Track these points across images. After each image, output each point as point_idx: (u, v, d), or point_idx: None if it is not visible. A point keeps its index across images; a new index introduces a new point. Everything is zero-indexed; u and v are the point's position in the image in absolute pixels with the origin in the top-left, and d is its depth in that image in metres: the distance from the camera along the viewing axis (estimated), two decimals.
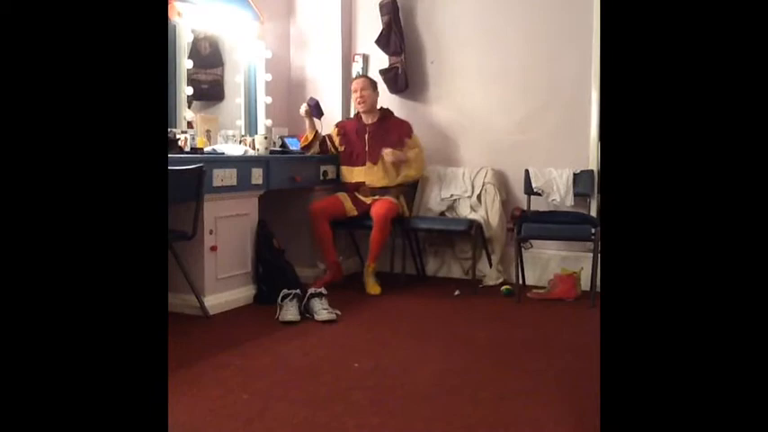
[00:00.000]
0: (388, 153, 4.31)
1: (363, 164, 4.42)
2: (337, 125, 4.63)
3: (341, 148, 4.52)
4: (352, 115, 4.87)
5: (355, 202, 4.37)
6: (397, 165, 4.38)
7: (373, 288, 4.13)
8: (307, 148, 4.43)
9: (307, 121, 4.41)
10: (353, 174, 4.46)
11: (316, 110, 4.37)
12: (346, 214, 4.34)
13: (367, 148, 4.41)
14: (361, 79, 4.53)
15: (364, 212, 4.28)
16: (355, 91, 4.46)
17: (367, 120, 4.47)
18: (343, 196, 4.40)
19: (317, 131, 4.43)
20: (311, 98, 4.45)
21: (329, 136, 4.54)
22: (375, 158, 4.39)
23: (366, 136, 4.43)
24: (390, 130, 4.41)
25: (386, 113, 4.53)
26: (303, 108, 4.38)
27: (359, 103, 4.46)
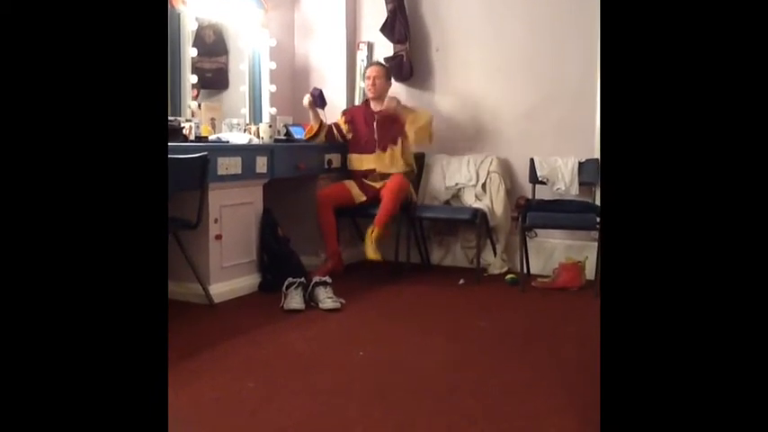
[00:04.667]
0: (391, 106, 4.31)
1: (373, 151, 4.40)
2: (344, 112, 4.60)
3: (349, 136, 4.50)
4: (356, 102, 4.86)
5: (363, 188, 4.37)
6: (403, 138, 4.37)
7: (374, 253, 4.06)
8: (312, 138, 4.41)
9: (311, 113, 4.37)
10: (363, 161, 4.44)
11: (320, 99, 4.31)
12: (354, 201, 4.33)
13: (376, 136, 4.40)
14: (377, 68, 4.48)
15: (373, 197, 4.27)
16: (368, 78, 4.43)
17: (375, 107, 4.46)
18: (350, 183, 4.40)
19: (321, 122, 4.40)
20: (315, 88, 4.40)
21: (336, 124, 4.52)
22: (384, 146, 4.38)
23: (374, 123, 4.41)
24: (398, 117, 4.39)
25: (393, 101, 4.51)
26: (306, 99, 4.33)
27: (369, 90, 4.44)
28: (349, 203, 4.33)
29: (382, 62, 4.63)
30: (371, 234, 4.12)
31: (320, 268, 4.13)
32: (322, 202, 4.23)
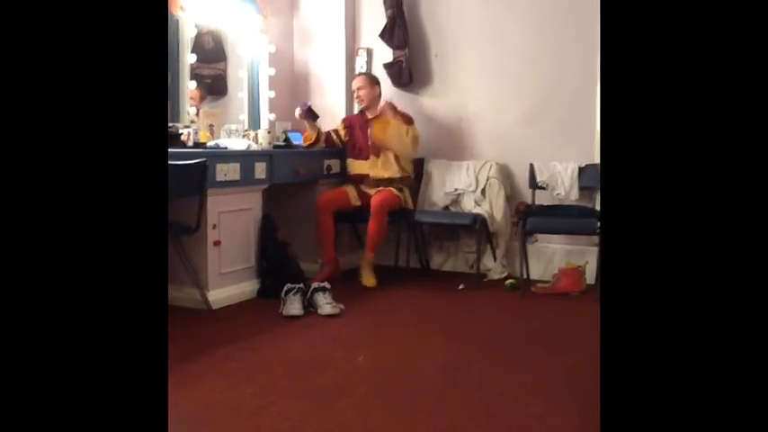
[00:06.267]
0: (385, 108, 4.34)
1: (367, 157, 4.44)
2: (343, 120, 4.65)
3: (346, 139, 4.54)
4: (356, 108, 4.87)
5: (360, 193, 4.40)
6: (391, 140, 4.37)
7: (368, 280, 4.13)
8: (311, 146, 4.44)
9: (306, 123, 4.42)
10: (357, 166, 4.48)
11: (309, 114, 4.35)
12: (350, 204, 4.36)
13: (370, 142, 4.42)
14: (359, 78, 4.55)
15: (368, 203, 4.28)
16: (353, 90, 4.52)
17: (370, 115, 4.49)
18: (349, 188, 4.44)
19: (318, 129, 4.44)
20: (303, 103, 4.43)
21: (335, 130, 4.55)
22: (377, 151, 4.40)
23: (369, 130, 4.44)
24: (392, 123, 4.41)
25: (388, 107, 4.51)
26: (297, 112, 4.39)
27: (357, 101, 4.52)
28: (347, 206, 4.35)
29: (364, 71, 4.69)
30: (365, 261, 4.19)
31: (317, 274, 4.13)
32: (321, 208, 4.25)
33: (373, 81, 4.52)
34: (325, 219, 4.24)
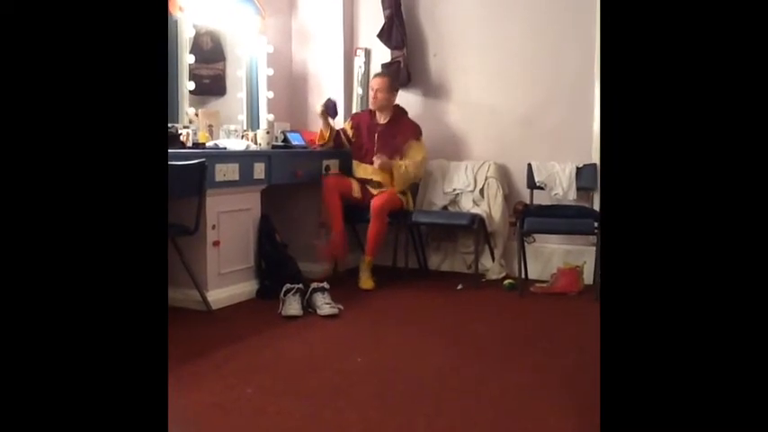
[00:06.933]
0: (376, 161, 4.33)
1: (371, 162, 4.41)
2: (351, 117, 4.64)
3: (353, 140, 4.53)
4: (354, 108, 4.87)
5: (363, 189, 4.40)
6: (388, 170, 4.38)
7: (366, 282, 4.13)
8: (323, 145, 4.45)
9: (322, 120, 4.41)
10: (362, 170, 4.47)
11: (333, 111, 4.37)
12: (352, 194, 4.35)
13: (375, 148, 4.40)
14: (381, 79, 4.45)
15: (368, 201, 4.27)
16: (372, 89, 4.45)
17: (380, 118, 4.47)
18: (353, 181, 4.43)
19: (332, 128, 4.44)
20: (330, 99, 4.42)
21: (343, 130, 4.55)
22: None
23: (376, 135, 4.42)
24: (400, 131, 4.39)
25: (399, 113, 4.50)
26: (319, 108, 4.37)
27: (371, 101, 4.47)
28: (349, 196, 4.33)
29: (388, 72, 4.59)
30: (364, 264, 4.19)
31: (324, 248, 4.21)
32: (330, 187, 4.25)
33: (393, 88, 4.47)
34: (333, 196, 4.24)
